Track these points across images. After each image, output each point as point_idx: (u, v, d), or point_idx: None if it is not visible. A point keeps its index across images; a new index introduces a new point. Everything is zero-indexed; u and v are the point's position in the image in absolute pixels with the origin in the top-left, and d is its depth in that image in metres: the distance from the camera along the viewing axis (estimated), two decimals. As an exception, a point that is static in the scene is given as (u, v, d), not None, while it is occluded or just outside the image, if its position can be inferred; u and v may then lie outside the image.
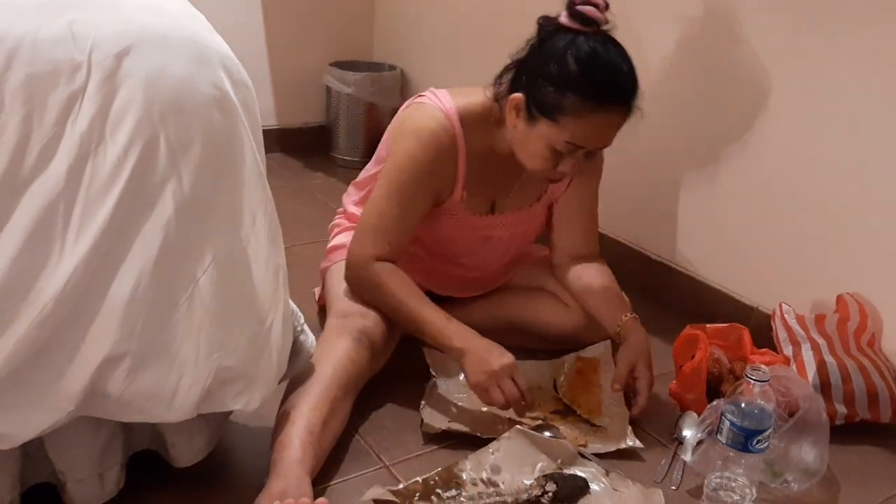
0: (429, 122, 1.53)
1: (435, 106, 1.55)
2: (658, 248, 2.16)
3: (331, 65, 2.98)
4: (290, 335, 1.26)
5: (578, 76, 1.39)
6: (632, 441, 1.46)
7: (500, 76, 1.53)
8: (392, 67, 3.07)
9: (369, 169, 1.75)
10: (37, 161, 0.99)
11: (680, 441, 1.47)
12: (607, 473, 1.37)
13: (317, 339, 1.48)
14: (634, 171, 1.80)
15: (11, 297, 0.97)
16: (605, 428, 1.51)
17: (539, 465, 1.38)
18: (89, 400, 1.05)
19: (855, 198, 1.70)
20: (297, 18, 3.00)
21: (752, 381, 1.25)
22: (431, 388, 1.55)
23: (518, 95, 1.46)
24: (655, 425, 1.55)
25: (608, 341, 1.69)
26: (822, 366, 1.57)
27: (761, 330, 1.74)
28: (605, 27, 1.43)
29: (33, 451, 1.12)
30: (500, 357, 1.44)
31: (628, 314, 1.62)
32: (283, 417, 1.32)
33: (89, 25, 1.04)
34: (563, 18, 1.43)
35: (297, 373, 1.35)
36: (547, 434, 1.44)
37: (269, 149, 3.18)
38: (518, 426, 1.46)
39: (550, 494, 1.29)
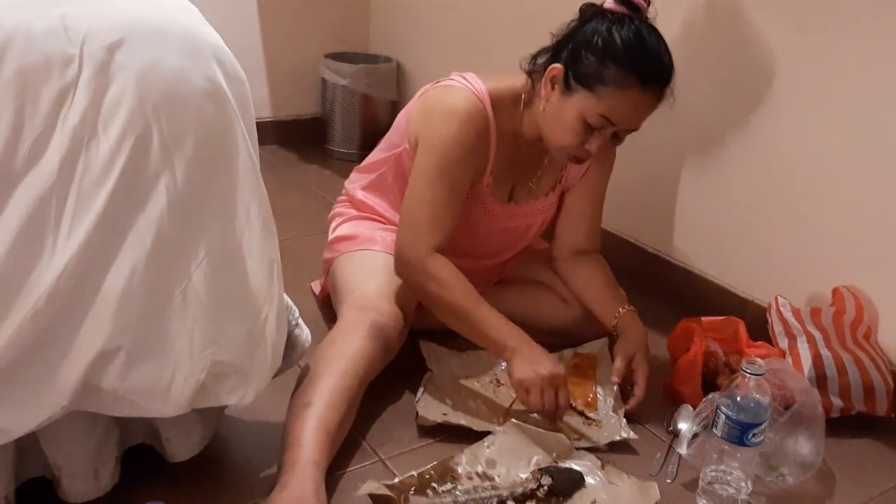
0: (462, 103, 1.51)
1: (465, 87, 1.54)
2: (655, 241, 2.16)
3: (326, 56, 2.97)
4: (285, 329, 1.26)
5: (624, 50, 1.40)
6: (626, 433, 1.46)
7: (535, 55, 1.54)
8: (388, 59, 3.06)
9: (377, 154, 1.73)
10: (29, 154, 0.98)
11: (675, 434, 1.47)
12: (603, 466, 1.37)
13: (329, 329, 1.49)
14: (631, 166, 1.80)
15: (4, 292, 0.97)
16: (601, 421, 1.51)
17: (534, 458, 1.38)
18: (83, 394, 1.04)
19: (851, 191, 1.70)
20: (293, 10, 2.99)
21: (748, 375, 1.25)
22: (427, 382, 1.55)
23: (557, 66, 1.46)
24: (651, 418, 1.55)
25: (605, 339, 1.69)
26: (817, 359, 1.57)
27: (757, 323, 1.74)
28: (647, 16, 1.46)
29: (28, 445, 1.12)
30: (553, 366, 1.42)
31: (625, 307, 1.62)
32: (297, 414, 1.30)
33: (81, 18, 1.03)
34: (609, 3, 1.45)
35: (292, 366, 1.34)
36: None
37: (263, 141, 3.18)
38: (513, 420, 1.46)
39: (546, 488, 1.29)
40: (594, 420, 1.51)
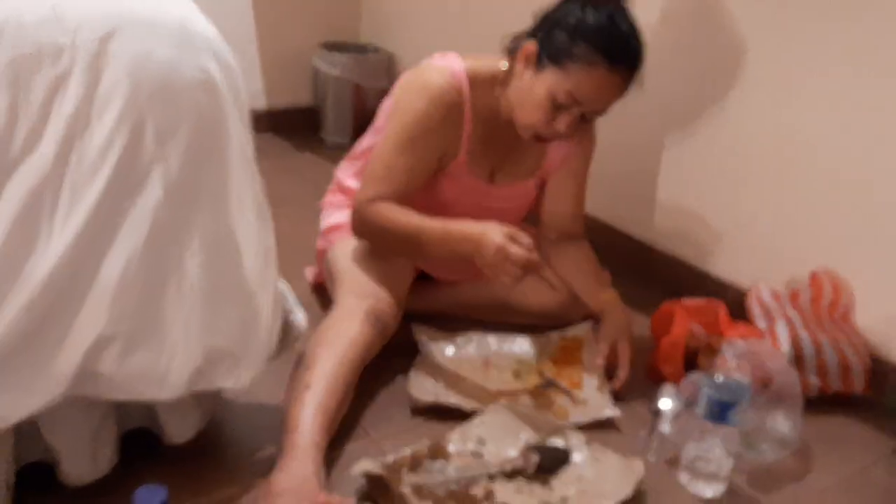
0: (437, 78, 1.55)
1: (443, 65, 1.57)
2: (637, 227, 2.19)
3: (319, 46, 2.99)
4: (280, 315, 1.27)
5: (594, 29, 1.44)
6: (611, 411, 1.50)
7: (517, 36, 1.56)
8: (379, 49, 3.07)
9: (365, 141, 1.76)
10: (23, 145, 0.99)
11: (658, 413, 1.50)
12: (589, 444, 1.40)
13: (322, 313, 1.51)
14: (612, 152, 1.83)
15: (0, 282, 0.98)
16: (587, 400, 1.55)
17: (523, 436, 1.41)
18: (81, 381, 1.06)
19: (829, 176, 1.73)
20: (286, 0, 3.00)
21: (729, 355, 1.28)
22: (419, 362, 1.58)
23: (531, 43, 1.50)
24: (634, 398, 1.58)
25: (590, 322, 1.72)
26: (795, 339, 1.60)
27: (737, 306, 1.77)
28: (625, 5, 1.49)
29: (27, 430, 1.13)
30: (494, 234, 1.42)
31: (609, 291, 1.66)
32: (297, 397, 1.33)
33: (73, 8, 1.03)
34: None
35: (287, 350, 1.37)
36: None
37: (257, 129, 3.17)
38: (502, 399, 1.50)
39: (534, 465, 1.33)
40: (580, 399, 1.55)
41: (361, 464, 1.24)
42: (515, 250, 1.40)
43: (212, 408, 1.33)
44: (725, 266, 1.98)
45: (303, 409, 1.30)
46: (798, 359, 1.59)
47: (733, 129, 1.90)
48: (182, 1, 1.18)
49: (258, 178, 1.21)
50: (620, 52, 1.45)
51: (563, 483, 1.33)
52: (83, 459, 1.19)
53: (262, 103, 3.04)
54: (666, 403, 1.48)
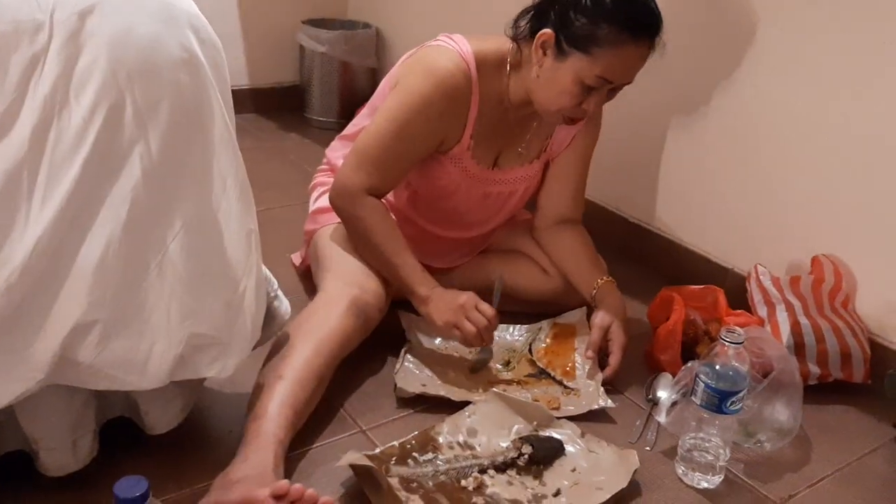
0: (445, 62, 1.50)
1: (452, 48, 1.52)
2: (636, 210, 2.16)
3: (303, 23, 2.93)
4: (264, 301, 1.25)
5: (613, 7, 1.39)
6: (604, 401, 1.47)
7: (517, 19, 1.52)
8: (367, 25, 3.02)
9: (360, 121, 1.71)
10: None
11: (655, 402, 1.48)
12: (583, 435, 1.37)
13: (309, 300, 1.47)
14: (612, 136, 1.79)
15: (-24, 267, 0.95)
16: (579, 389, 1.52)
17: (515, 427, 1.38)
18: (60, 368, 1.03)
19: (831, 160, 1.71)
20: (270, -25, 2.94)
21: (727, 343, 1.25)
22: (406, 353, 1.55)
23: (547, 31, 1.44)
24: (631, 387, 1.56)
25: (584, 308, 1.69)
26: (796, 326, 1.58)
27: (737, 291, 1.75)
28: None
29: (5, 419, 1.11)
30: (461, 294, 1.47)
31: (604, 277, 1.62)
32: (268, 385, 1.28)
33: None
34: None
35: (272, 337, 1.34)
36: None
37: (241, 109, 3.14)
38: (494, 389, 1.46)
39: (526, 456, 1.30)
40: (572, 389, 1.52)
41: (349, 455, 1.20)
42: (476, 315, 1.46)
43: (195, 397, 1.30)
44: (726, 251, 1.95)
45: (271, 400, 1.26)
46: (798, 346, 1.57)
47: (735, 114, 1.87)
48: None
49: (241, 160, 1.17)
50: (644, 24, 1.41)
51: (556, 475, 1.30)
52: (63, 449, 1.16)
53: (244, 82, 2.99)
54: (662, 392, 1.45)
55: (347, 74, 2.93)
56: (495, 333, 1.55)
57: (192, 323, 1.10)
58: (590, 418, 1.45)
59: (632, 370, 1.59)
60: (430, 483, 1.25)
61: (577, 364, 1.57)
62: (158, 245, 1.07)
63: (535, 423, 1.39)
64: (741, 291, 1.74)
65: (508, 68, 1.55)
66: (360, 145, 1.53)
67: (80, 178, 0.99)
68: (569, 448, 1.35)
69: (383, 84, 1.65)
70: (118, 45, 1.01)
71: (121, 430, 1.25)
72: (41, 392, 1.05)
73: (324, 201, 1.72)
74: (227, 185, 1.14)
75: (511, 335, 1.66)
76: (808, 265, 1.72)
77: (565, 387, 1.53)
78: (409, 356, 1.54)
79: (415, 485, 1.24)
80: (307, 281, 1.78)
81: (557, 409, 1.46)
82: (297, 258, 1.87)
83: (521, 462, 1.30)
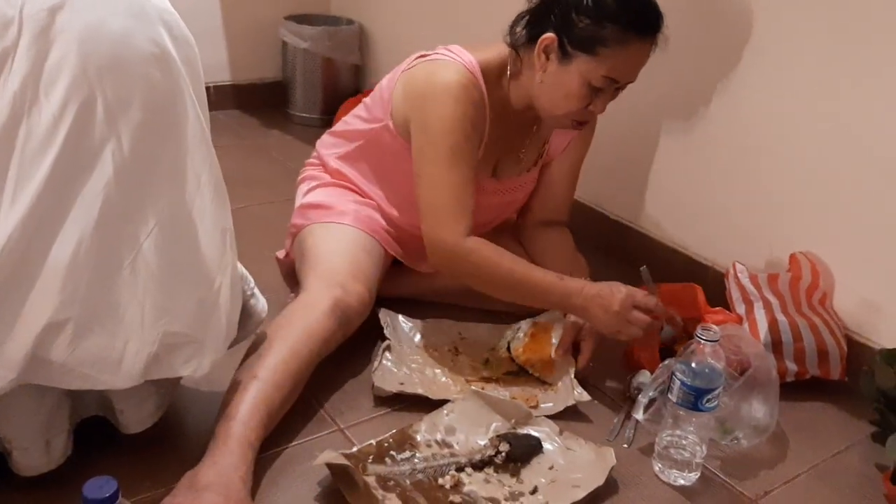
0: (455, 76, 1.46)
1: (456, 61, 1.49)
2: (618, 208, 2.17)
3: (286, 18, 2.91)
4: (240, 299, 1.24)
5: (616, 6, 1.38)
6: (579, 394, 1.46)
7: (513, 25, 1.50)
8: (350, 22, 3.01)
9: (355, 122, 1.68)
10: None
11: (632, 400, 1.48)
12: (560, 432, 1.37)
13: (293, 292, 1.46)
14: (595, 134, 1.79)
15: (-55, 265, 0.94)
16: (556, 385, 1.52)
17: (493, 425, 1.38)
18: (32, 367, 1.02)
19: (809, 158, 1.71)
20: (251, -30, 2.93)
21: (702, 341, 1.26)
22: (385, 351, 1.54)
23: (549, 35, 1.43)
24: (609, 384, 1.56)
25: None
26: (773, 324, 1.58)
27: (717, 288, 1.75)
28: None
29: (-24, 419, 1.10)
30: (615, 294, 1.42)
31: (584, 279, 1.62)
32: (243, 385, 1.27)
33: None
34: None
35: (249, 336, 1.33)
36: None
37: (223, 105, 3.13)
38: (473, 387, 1.46)
39: (504, 454, 1.30)
40: (550, 385, 1.52)
41: (324, 455, 1.20)
42: (636, 316, 1.41)
43: (170, 396, 1.29)
44: (706, 248, 1.96)
45: (244, 401, 1.24)
46: (776, 344, 1.57)
47: (716, 115, 1.87)
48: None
49: (215, 157, 1.16)
50: (647, 20, 1.41)
51: (533, 472, 1.30)
52: (36, 449, 1.15)
53: (227, 78, 2.97)
54: (640, 390, 1.45)
55: (330, 70, 2.92)
56: (472, 333, 1.55)
57: (167, 321, 1.09)
58: (568, 416, 1.45)
59: (610, 369, 1.60)
60: (408, 481, 1.24)
61: (554, 364, 1.56)
62: (131, 243, 1.06)
63: (513, 420, 1.39)
64: (722, 289, 1.74)
65: (508, 75, 1.53)
66: (429, 204, 1.47)
67: (51, 176, 0.98)
68: (546, 446, 1.35)
69: (382, 89, 1.61)
70: (88, 41, 1.01)
71: (96, 430, 1.24)
72: (13, 392, 1.04)
73: (315, 197, 1.70)
74: (201, 183, 1.13)
75: (490, 334, 1.66)
76: (786, 263, 1.72)
77: (543, 383, 1.53)
78: (387, 354, 1.53)
79: (392, 483, 1.23)
80: (291, 278, 1.76)
81: (535, 406, 1.46)
82: (282, 254, 1.85)
83: (498, 460, 1.30)
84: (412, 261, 1.73)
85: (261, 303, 1.33)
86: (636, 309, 1.42)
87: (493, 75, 1.52)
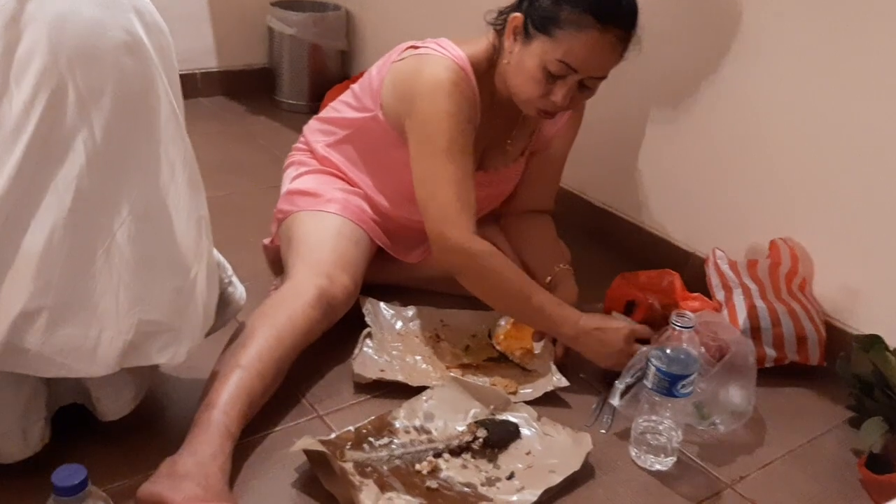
0: (444, 72, 1.45)
1: (445, 56, 1.48)
2: (601, 195, 2.17)
3: (272, 4, 2.90)
4: (216, 287, 1.24)
5: None
6: (558, 380, 1.47)
7: (502, 11, 1.50)
8: (336, 7, 2.99)
9: (344, 109, 1.68)
10: None
11: (609, 386, 1.48)
12: (539, 418, 1.38)
13: (276, 278, 1.45)
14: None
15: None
16: (536, 371, 1.53)
17: (472, 411, 1.39)
18: (6, 356, 1.02)
19: (789, 145, 1.71)
20: (237, -45, 2.91)
21: (678, 328, 1.26)
22: (365, 338, 1.54)
23: (517, 15, 1.43)
24: (587, 370, 1.56)
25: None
26: (752, 310, 1.59)
27: (698, 275, 1.75)
28: None
29: (-48, 407, 1.10)
30: (619, 331, 1.44)
31: (562, 265, 1.62)
32: (225, 373, 1.26)
33: None
34: None
35: (226, 324, 1.33)
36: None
37: (209, 92, 3.12)
38: (452, 374, 1.47)
39: (481, 440, 1.31)
40: (530, 371, 1.53)
41: (302, 441, 1.20)
42: (635, 349, 1.43)
43: (147, 383, 1.29)
44: (688, 234, 1.96)
45: (227, 389, 1.24)
46: (754, 330, 1.58)
47: (698, 103, 1.87)
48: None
49: (189, 145, 1.16)
50: (610, 10, 1.37)
51: (510, 458, 1.31)
52: (12, 437, 1.15)
53: (213, 64, 2.95)
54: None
55: (317, 57, 2.91)
56: (454, 319, 1.55)
57: (142, 309, 1.09)
58: (547, 402, 1.45)
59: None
60: (385, 468, 1.25)
61: (534, 350, 1.57)
62: (105, 231, 1.06)
63: (491, 407, 1.40)
64: (702, 275, 1.75)
65: (494, 65, 1.53)
66: (431, 200, 1.45)
67: (22, 165, 0.98)
68: (524, 431, 1.36)
69: (371, 78, 1.60)
70: (59, 29, 1.00)
71: (74, 417, 1.24)
72: (-12, 380, 1.04)
73: (302, 183, 1.69)
74: (175, 171, 1.13)
75: (472, 321, 1.66)
76: (766, 249, 1.73)
77: (523, 369, 1.53)
78: (368, 341, 1.54)
79: (369, 469, 1.24)
80: (276, 264, 1.75)
81: (515, 392, 1.47)
82: (268, 241, 1.84)
83: (475, 446, 1.31)
84: (399, 251, 1.72)
85: (239, 290, 1.33)
86: (637, 343, 1.45)
87: (483, 68, 1.51)
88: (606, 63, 1.43)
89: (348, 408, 1.42)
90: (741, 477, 1.36)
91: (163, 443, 1.24)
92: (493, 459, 1.30)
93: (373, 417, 1.34)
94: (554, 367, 1.50)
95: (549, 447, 1.33)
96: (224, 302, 1.29)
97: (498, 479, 1.27)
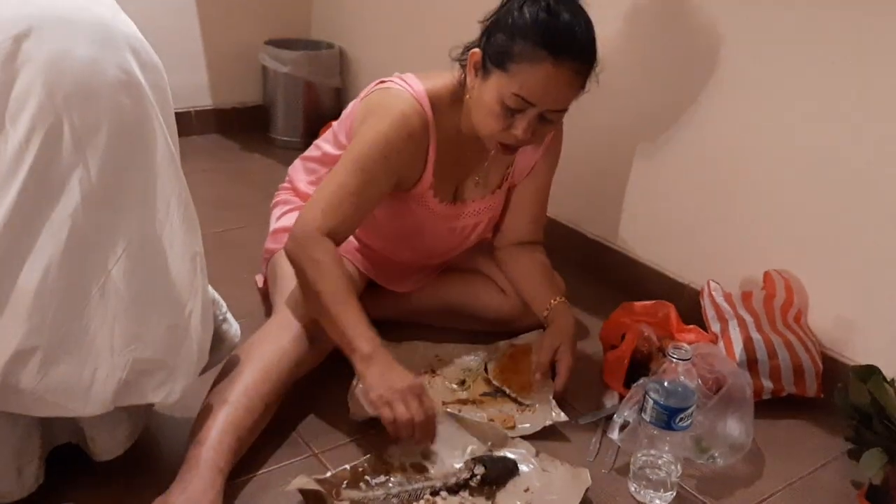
0: (400, 104, 1.47)
1: (404, 90, 1.49)
2: (595, 227, 2.17)
3: (266, 43, 2.92)
4: (211, 324, 1.24)
5: (529, 23, 1.36)
6: (556, 414, 1.46)
7: (467, 46, 1.50)
8: (330, 45, 3.02)
9: (325, 147, 1.69)
10: None
11: (607, 421, 1.48)
12: (537, 454, 1.37)
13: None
14: (573, 153, 1.80)
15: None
16: (534, 405, 1.52)
17: (469, 447, 1.38)
18: (2, 395, 1.02)
19: (783, 178, 1.72)
20: (232, -6, 2.94)
21: (674, 360, 1.26)
22: (361, 374, 1.53)
23: (475, 51, 1.44)
24: (585, 405, 1.56)
25: (541, 330, 1.69)
26: (748, 342, 1.59)
27: (693, 307, 1.76)
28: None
29: (-53, 447, 1.09)
30: (405, 377, 1.33)
31: (558, 298, 1.62)
32: (214, 410, 1.26)
33: None
34: None
35: (221, 361, 1.33)
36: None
37: (204, 130, 3.13)
38: (449, 409, 1.46)
39: (479, 477, 1.29)
40: (527, 405, 1.52)
41: (298, 480, 1.19)
42: (416, 405, 1.30)
43: (142, 422, 1.28)
44: (682, 266, 1.97)
45: (215, 426, 1.24)
46: (751, 362, 1.58)
47: (693, 134, 1.89)
48: (102, -1, 1.13)
49: (184, 182, 1.16)
50: (563, 43, 1.36)
51: (509, 495, 1.30)
52: (7, 477, 1.13)
53: (207, 102, 2.96)
54: (615, 411, 1.45)
55: (311, 94, 2.93)
56: (450, 354, 1.54)
57: (136, 347, 1.09)
58: (545, 437, 1.44)
59: (588, 390, 1.60)
60: (381, 506, 1.24)
61: (532, 382, 1.56)
62: (100, 269, 1.06)
63: (489, 443, 1.39)
64: (698, 307, 1.75)
65: (458, 100, 1.53)
66: (319, 189, 1.49)
67: (18, 203, 0.98)
68: (522, 468, 1.35)
69: (347, 116, 1.63)
70: (55, 68, 1.01)
71: (69, 457, 1.23)
72: (-17, 419, 1.04)
73: (286, 220, 1.70)
74: (170, 208, 1.13)
75: (467, 355, 1.65)
76: (760, 280, 1.73)
77: (520, 404, 1.52)
78: (363, 378, 1.52)
79: (365, 508, 1.23)
80: (270, 304, 1.75)
81: (513, 427, 1.46)
82: (260, 279, 1.85)
83: (473, 483, 1.29)
84: (386, 281, 1.73)
85: (233, 327, 1.32)
86: (419, 399, 1.32)
87: (445, 103, 1.52)
88: (564, 97, 1.42)
89: (344, 446, 1.41)
90: (741, 511, 1.35)
91: (156, 481, 1.23)
92: (491, 497, 1.29)
93: (369, 455, 1.33)
94: (554, 402, 1.49)
95: (547, 483, 1.32)
96: (218, 339, 1.28)
97: (496, 516, 1.25)
